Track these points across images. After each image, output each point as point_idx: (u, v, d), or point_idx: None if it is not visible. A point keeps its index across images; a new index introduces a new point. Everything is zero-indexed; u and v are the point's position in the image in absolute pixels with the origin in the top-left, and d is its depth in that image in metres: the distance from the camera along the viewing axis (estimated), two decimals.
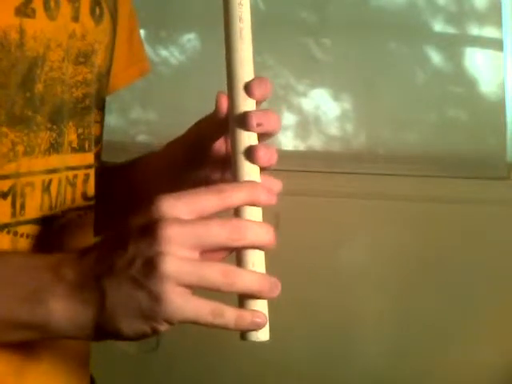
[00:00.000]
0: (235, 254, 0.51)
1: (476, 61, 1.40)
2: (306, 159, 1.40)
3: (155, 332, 0.48)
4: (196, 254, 0.48)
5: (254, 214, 0.52)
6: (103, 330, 0.49)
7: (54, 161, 0.60)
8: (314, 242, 1.35)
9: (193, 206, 0.48)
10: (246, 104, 0.55)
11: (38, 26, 0.56)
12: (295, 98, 1.43)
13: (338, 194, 1.38)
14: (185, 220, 0.48)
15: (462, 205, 1.34)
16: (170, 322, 0.47)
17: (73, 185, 0.64)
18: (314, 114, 1.44)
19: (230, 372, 1.35)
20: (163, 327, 0.48)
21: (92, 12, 0.63)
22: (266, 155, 0.53)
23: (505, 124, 1.37)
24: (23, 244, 0.58)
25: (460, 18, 1.40)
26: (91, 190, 0.66)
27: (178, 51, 1.47)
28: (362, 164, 1.41)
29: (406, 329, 1.35)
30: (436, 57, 1.41)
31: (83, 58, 0.63)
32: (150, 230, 0.47)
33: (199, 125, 0.67)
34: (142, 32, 1.47)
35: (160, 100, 1.46)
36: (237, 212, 0.52)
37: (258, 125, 0.54)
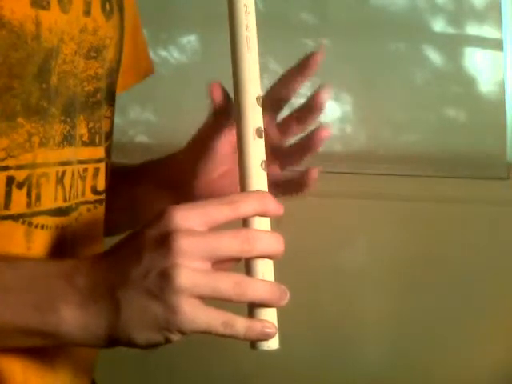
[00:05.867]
0: (244, 264, 0.52)
1: (476, 61, 1.40)
2: (306, 159, 1.40)
3: (168, 342, 0.49)
4: (208, 265, 0.49)
5: (262, 223, 0.52)
6: (115, 339, 0.50)
7: (68, 153, 0.61)
8: (314, 242, 1.35)
9: (205, 217, 0.49)
10: (253, 113, 0.55)
11: (53, 18, 0.57)
12: (295, 98, 1.43)
13: (337, 194, 1.37)
14: (198, 232, 0.48)
15: (462, 205, 1.34)
16: (182, 332, 0.48)
17: (83, 178, 0.64)
18: None
19: (231, 373, 1.35)
20: (176, 337, 0.49)
21: (103, 7, 0.64)
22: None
23: (505, 124, 1.37)
24: (37, 235, 0.58)
25: (460, 18, 1.40)
26: (101, 184, 0.67)
27: (178, 52, 1.47)
28: (362, 164, 1.41)
29: (406, 329, 1.35)
30: (436, 57, 1.41)
31: (95, 52, 0.63)
32: (164, 241, 0.48)
33: (199, 129, 0.68)
34: None
35: (159, 101, 1.46)
36: (246, 221, 0.52)
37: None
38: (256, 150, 0.55)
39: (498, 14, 1.37)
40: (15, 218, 0.56)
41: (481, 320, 1.32)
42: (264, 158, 0.55)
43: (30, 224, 0.57)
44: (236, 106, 0.56)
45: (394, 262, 1.35)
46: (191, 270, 0.47)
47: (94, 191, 0.66)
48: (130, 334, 0.49)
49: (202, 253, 0.48)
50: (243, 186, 0.54)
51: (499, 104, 1.37)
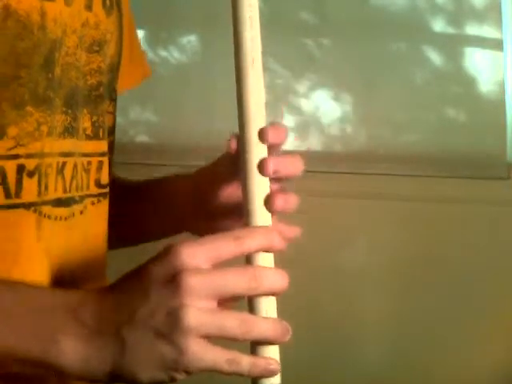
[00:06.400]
0: (247, 300, 0.52)
1: (476, 61, 1.40)
2: (306, 159, 1.40)
3: (172, 381, 0.49)
4: (214, 304, 0.49)
5: (266, 258, 0.52)
6: (118, 376, 0.50)
7: (68, 144, 0.61)
8: (314, 242, 1.35)
9: (211, 253, 0.49)
10: (258, 150, 0.55)
11: (57, 9, 0.57)
12: (295, 98, 1.43)
13: (338, 193, 1.38)
14: (205, 270, 0.49)
15: (462, 205, 1.33)
16: (188, 372, 0.48)
17: (87, 171, 0.64)
18: (313, 114, 1.44)
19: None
20: (181, 376, 0.49)
21: (103, 3, 0.64)
22: (283, 203, 0.54)
23: (505, 124, 1.37)
24: (45, 224, 0.58)
25: (460, 18, 1.40)
26: (105, 177, 0.67)
27: (178, 52, 1.47)
28: (362, 164, 1.41)
29: (406, 329, 1.35)
30: (436, 57, 1.41)
31: (97, 46, 0.64)
32: (172, 280, 0.48)
33: (208, 172, 0.67)
34: (142, 32, 1.47)
35: (160, 100, 1.46)
36: (249, 256, 0.52)
37: (274, 172, 0.55)
38: (260, 185, 0.55)
39: (498, 14, 1.37)
40: (27, 206, 0.56)
41: (481, 320, 1.32)
42: (268, 192, 0.55)
43: (40, 213, 0.57)
44: (240, 141, 0.56)
45: (394, 262, 1.35)
46: (198, 309, 0.47)
47: (98, 184, 0.66)
48: (134, 372, 0.49)
49: (209, 291, 0.48)
50: (247, 220, 0.54)
51: (499, 104, 1.37)
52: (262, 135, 0.55)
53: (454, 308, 1.32)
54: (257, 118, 0.55)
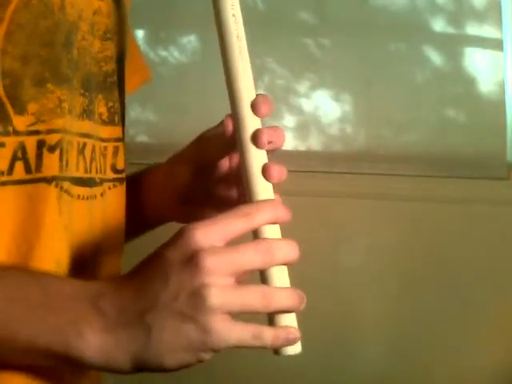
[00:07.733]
0: (259, 271, 0.52)
1: (476, 61, 1.40)
2: (306, 159, 1.40)
3: (199, 361, 0.49)
4: (233, 280, 0.49)
5: (273, 230, 0.53)
6: (143, 365, 0.49)
7: (87, 126, 0.62)
8: (314, 242, 1.35)
9: (223, 232, 0.50)
10: (254, 123, 0.56)
11: None
12: (295, 98, 1.43)
13: (338, 193, 1.38)
14: (220, 248, 0.49)
15: (462, 205, 1.34)
16: (215, 351, 0.49)
17: (104, 156, 0.65)
18: (313, 114, 1.44)
19: (230, 372, 1.34)
20: (208, 356, 0.49)
21: None
22: (279, 173, 0.55)
23: (505, 124, 1.37)
24: (65, 199, 0.58)
25: (460, 18, 1.40)
26: (121, 162, 0.68)
27: (178, 52, 1.47)
28: (362, 164, 1.41)
29: (405, 329, 1.35)
30: (436, 57, 1.41)
31: (110, 34, 0.65)
32: (190, 262, 0.48)
33: (202, 145, 0.67)
34: (142, 32, 1.47)
35: (160, 100, 1.46)
36: (258, 230, 0.53)
37: (269, 142, 0.56)
38: (258, 157, 0.55)
39: (498, 14, 1.37)
40: (48, 180, 0.57)
41: (481, 320, 1.32)
42: (265, 163, 0.55)
43: (61, 188, 0.58)
44: (234, 116, 0.56)
45: (394, 262, 1.35)
46: (220, 287, 0.48)
47: (114, 170, 0.67)
48: (161, 359, 0.48)
49: (227, 269, 0.48)
50: (250, 195, 0.54)
51: (499, 104, 1.37)
52: (254, 107, 0.56)
53: (454, 308, 1.32)
54: (248, 91, 0.56)
